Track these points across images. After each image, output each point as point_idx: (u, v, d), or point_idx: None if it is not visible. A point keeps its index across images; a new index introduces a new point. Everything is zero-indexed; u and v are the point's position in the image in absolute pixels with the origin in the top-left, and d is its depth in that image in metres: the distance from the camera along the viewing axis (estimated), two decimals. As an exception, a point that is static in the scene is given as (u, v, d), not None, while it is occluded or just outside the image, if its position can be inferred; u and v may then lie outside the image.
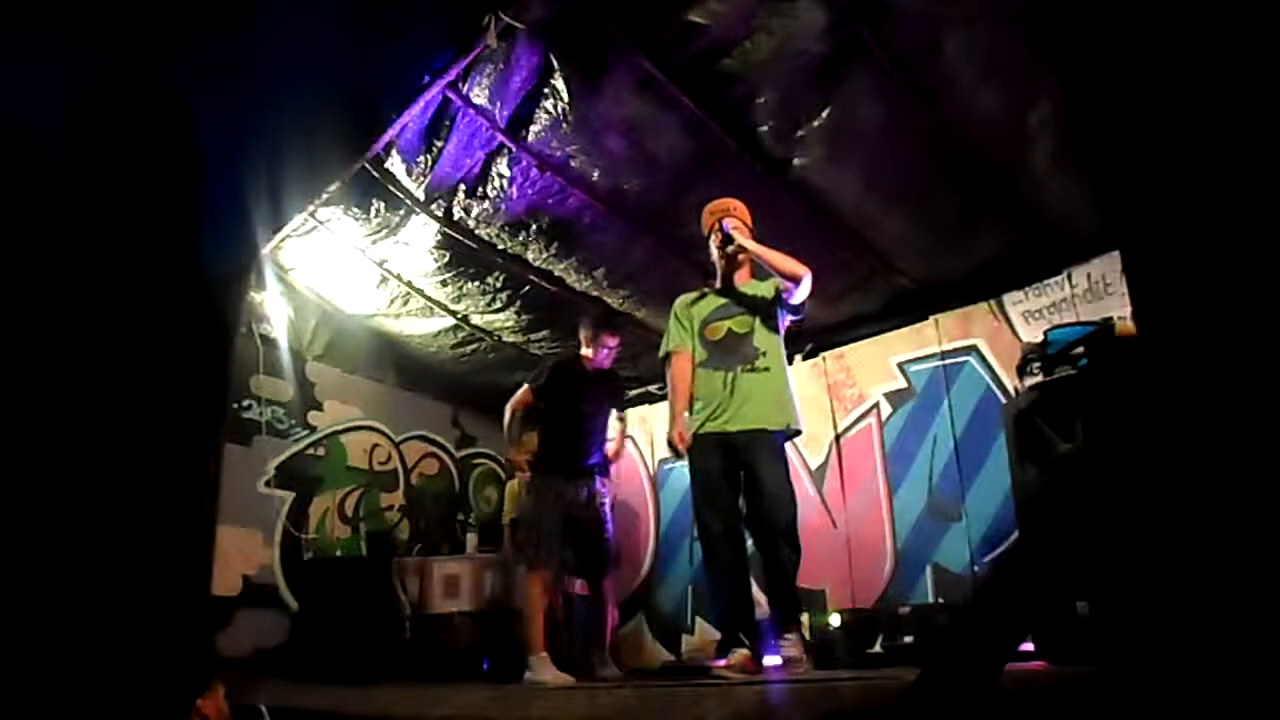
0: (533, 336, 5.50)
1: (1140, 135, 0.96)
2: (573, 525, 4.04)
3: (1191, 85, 0.92)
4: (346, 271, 4.84)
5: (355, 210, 4.24)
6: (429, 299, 5.05)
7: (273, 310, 5.10)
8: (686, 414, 3.47)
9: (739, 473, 3.33)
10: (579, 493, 4.09)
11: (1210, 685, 0.88)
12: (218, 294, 1.27)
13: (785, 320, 3.54)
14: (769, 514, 3.23)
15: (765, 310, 3.49)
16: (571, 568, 4.24)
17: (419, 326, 5.38)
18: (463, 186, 4.05)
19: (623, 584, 5.91)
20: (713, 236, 3.57)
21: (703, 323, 3.56)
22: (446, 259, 4.62)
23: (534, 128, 3.62)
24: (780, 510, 3.23)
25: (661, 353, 3.69)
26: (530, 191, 4.02)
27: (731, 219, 3.53)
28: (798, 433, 3.47)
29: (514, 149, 3.77)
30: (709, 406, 3.40)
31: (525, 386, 4.32)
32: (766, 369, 3.40)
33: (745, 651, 3.17)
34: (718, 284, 3.64)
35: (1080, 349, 2.76)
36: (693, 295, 3.69)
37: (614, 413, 4.39)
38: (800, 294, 3.40)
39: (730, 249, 3.51)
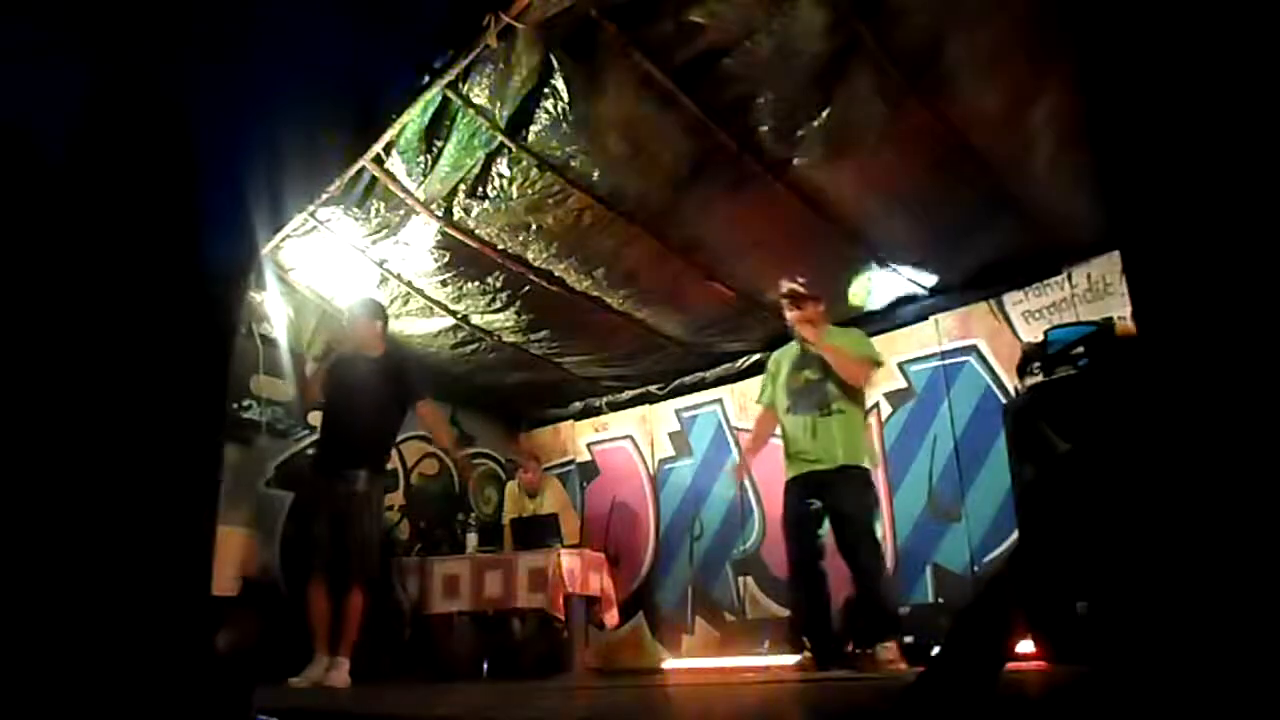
0: (533, 336, 5.50)
1: (1141, 135, 0.96)
2: (337, 524, 3.97)
3: (1192, 85, 0.92)
4: (346, 271, 4.83)
5: (355, 210, 4.24)
6: (429, 299, 5.05)
7: (273, 310, 5.10)
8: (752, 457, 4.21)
9: (827, 504, 3.76)
10: (341, 489, 4.01)
11: (1210, 685, 0.88)
12: (218, 294, 1.27)
13: None
14: (856, 540, 3.67)
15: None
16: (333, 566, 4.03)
17: (419, 326, 5.38)
18: (463, 186, 4.05)
19: (623, 584, 5.91)
20: (785, 308, 4.01)
21: (788, 374, 4.03)
22: (446, 259, 4.62)
23: (534, 128, 3.62)
24: (866, 536, 3.68)
25: (757, 401, 4.29)
26: (530, 191, 4.02)
27: (799, 316, 3.93)
28: (867, 471, 3.84)
29: (514, 149, 3.77)
30: (792, 450, 3.88)
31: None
32: (841, 411, 3.82)
33: (809, 654, 3.66)
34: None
35: (1080, 349, 2.76)
36: (784, 349, 4.17)
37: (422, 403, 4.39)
38: (859, 384, 3.93)
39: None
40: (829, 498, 3.75)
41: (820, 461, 3.78)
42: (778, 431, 4.10)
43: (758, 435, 4.20)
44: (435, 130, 3.72)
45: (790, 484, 3.87)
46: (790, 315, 3.97)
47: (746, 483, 5.69)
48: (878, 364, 4.06)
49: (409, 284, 4.93)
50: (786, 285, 4.00)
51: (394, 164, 3.93)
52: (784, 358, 4.11)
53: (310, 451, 5.33)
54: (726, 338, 5.57)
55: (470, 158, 3.86)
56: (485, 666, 5.40)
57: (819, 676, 3.27)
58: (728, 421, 5.90)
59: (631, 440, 6.44)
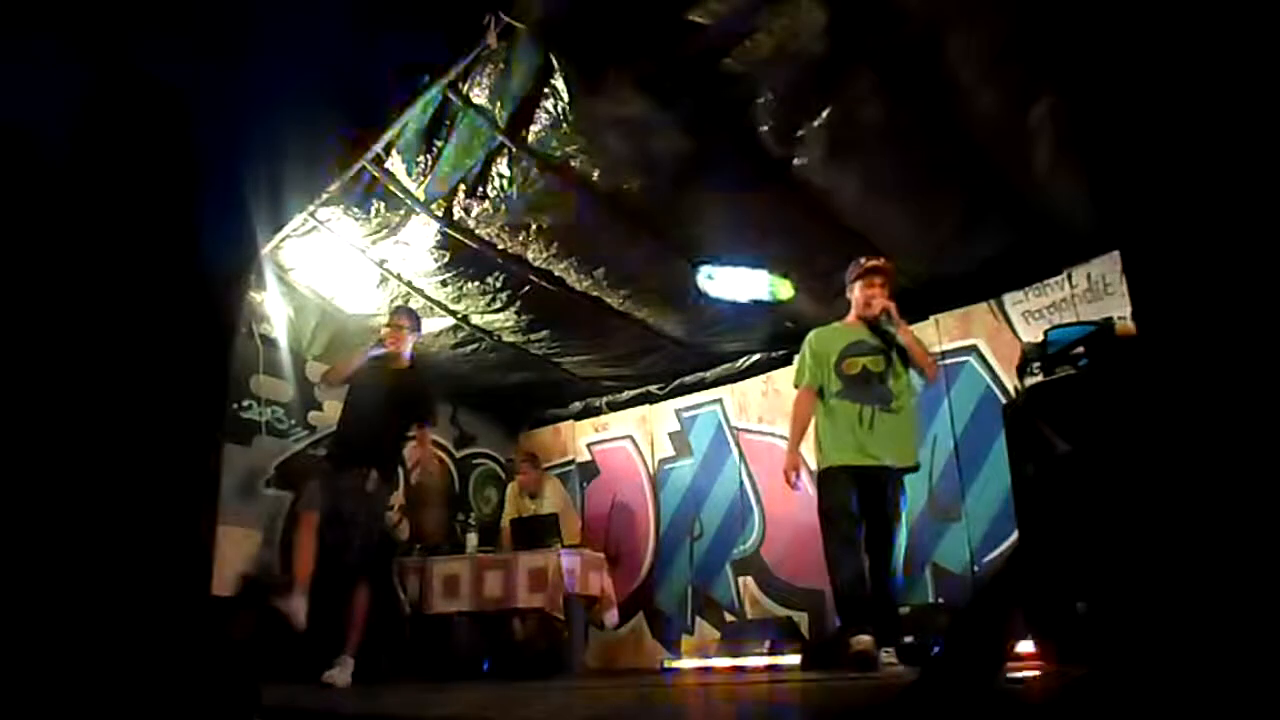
0: (533, 336, 5.50)
1: (1139, 135, 0.96)
2: (338, 520, 4.01)
3: (1190, 84, 0.92)
4: (346, 271, 4.84)
5: (355, 210, 4.24)
6: (429, 299, 5.05)
7: (273, 310, 5.10)
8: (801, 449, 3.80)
9: (866, 500, 3.61)
10: (345, 485, 4.05)
11: (1209, 685, 0.88)
12: (218, 294, 1.27)
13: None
14: (890, 541, 3.57)
15: (899, 353, 3.78)
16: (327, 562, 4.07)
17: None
18: (463, 186, 4.05)
19: (623, 584, 5.91)
20: (860, 287, 3.83)
21: (839, 356, 3.79)
22: (446, 259, 4.62)
23: (534, 128, 3.62)
24: (898, 538, 3.59)
25: (793, 383, 3.99)
26: (530, 191, 4.02)
27: (882, 295, 3.77)
28: (916, 468, 3.76)
29: (514, 149, 3.77)
30: (842, 437, 3.67)
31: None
32: (898, 410, 3.70)
33: (869, 638, 3.44)
34: (850, 318, 3.89)
35: (1080, 349, 2.76)
36: (828, 329, 3.95)
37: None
38: (929, 383, 3.89)
39: (889, 329, 3.76)
40: (878, 495, 3.60)
41: (878, 457, 3.61)
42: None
43: (802, 420, 3.83)
44: (435, 130, 3.72)
45: (838, 472, 3.63)
46: (872, 294, 3.77)
47: (746, 483, 5.69)
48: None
49: (409, 284, 4.93)
50: (873, 261, 3.82)
51: (394, 164, 3.93)
52: (830, 340, 3.86)
53: (311, 451, 5.34)
54: (726, 338, 5.57)
55: (470, 158, 3.86)
56: (485, 666, 5.40)
57: (818, 676, 3.27)
58: (728, 421, 5.90)
59: (631, 440, 6.44)
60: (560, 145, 3.71)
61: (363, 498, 4.03)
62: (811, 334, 3.94)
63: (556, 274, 4.74)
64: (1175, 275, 0.92)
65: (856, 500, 3.60)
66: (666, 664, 5.68)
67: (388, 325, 4.42)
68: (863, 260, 3.86)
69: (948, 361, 4.85)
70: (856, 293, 3.85)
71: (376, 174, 3.98)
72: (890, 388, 3.72)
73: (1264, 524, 0.84)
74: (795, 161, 3.77)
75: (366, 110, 3.60)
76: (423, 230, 4.38)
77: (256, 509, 5.09)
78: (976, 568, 4.45)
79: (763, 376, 5.72)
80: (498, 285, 4.86)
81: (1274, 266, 0.85)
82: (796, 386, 3.92)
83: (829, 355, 3.81)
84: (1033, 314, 4.57)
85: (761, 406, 5.71)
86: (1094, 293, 4.34)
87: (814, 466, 3.84)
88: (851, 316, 3.88)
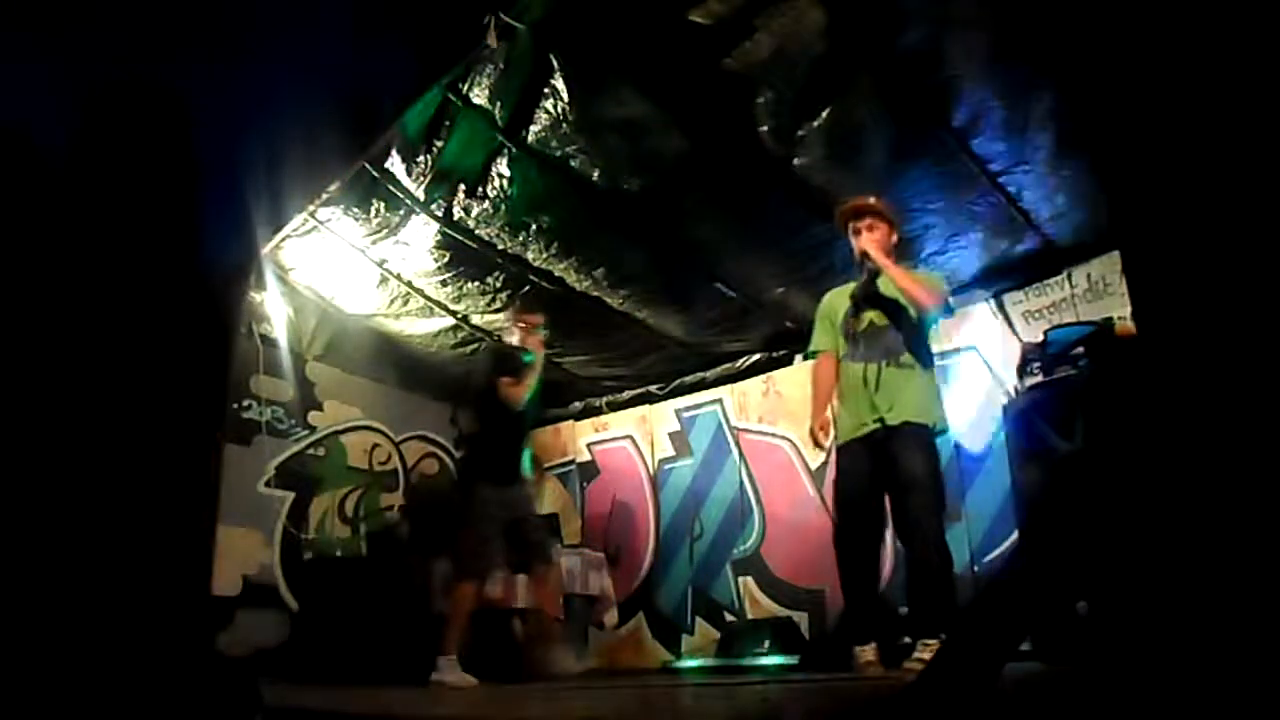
0: (533, 336, 5.50)
1: (1140, 136, 0.96)
2: (514, 529, 3.94)
3: (1190, 87, 0.92)
4: (346, 271, 4.84)
5: (355, 210, 4.24)
6: (429, 299, 5.05)
7: (273, 310, 5.10)
8: (829, 412, 3.34)
9: (884, 469, 3.13)
10: (512, 496, 3.99)
11: (1209, 685, 0.88)
12: (218, 294, 1.27)
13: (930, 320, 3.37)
14: (911, 516, 3.04)
15: (906, 304, 3.27)
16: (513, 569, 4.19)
17: (419, 326, 5.39)
18: (463, 186, 4.05)
19: (623, 584, 5.91)
20: (850, 233, 3.36)
21: (846, 316, 3.37)
22: (446, 259, 4.62)
23: (534, 128, 3.62)
24: (927, 510, 3.04)
25: (809, 350, 3.55)
26: (530, 191, 4.02)
27: (867, 237, 3.29)
28: (944, 431, 3.27)
29: (514, 149, 3.77)
30: (850, 407, 3.26)
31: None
32: (911, 365, 3.23)
33: (874, 646, 3.08)
34: (858, 273, 3.41)
35: (1080, 349, 2.76)
36: (839, 290, 3.50)
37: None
38: (930, 310, 3.24)
39: (868, 264, 3.29)
40: (889, 460, 3.11)
41: (882, 417, 3.14)
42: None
43: (824, 386, 3.38)
44: (435, 130, 3.72)
45: (845, 448, 3.23)
46: (856, 239, 3.29)
47: (746, 483, 5.69)
48: (948, 295, 3.40)
49: (409, 284, 4.93)
50: (852, 202, 3.34)
51: (394, 164, 3.93)
52: (839, 299, 3.43)
53: (312, 452, 5.32)
54: (726, 338, 5.57)
55: (470, 158, 3.87)
56: (485, 667, 5.40)
57: (818, 676, 3.27)
58: (728, 421, 5.90)
59: (631, 440, 6.44)
60: (560, 145, 3.72)
61: (530, 503, 4.08)
62: (825, 296, 3.55)
63: (556, 274, 4.74)
64: (1175, 275, 0.93)
65: (872, 478, 3.15)
66: (666, 664, 5.68)
67: (525, 324, 4.18)
68: (846, 200, 3.42)
69: (948, 362, 4.85)
70: (851, 241, 3.37)
71: (376, 174, 3.98)
72: (898, 339, 3.26)
73: (1264, 522, 0.84)
74: (795, 161, 3.77)
75: (367, 110, 3.60)
76: (423, 230, 4.39)
77: (256, 509, 5.09)
78: (976, 568, 4.45)
79: (763, 376, 5.72)
80: (498, 285, 4.87)
81: (1273, 267, 0.85)
82: (811, 356, 3.51)
83: (836, 315, 3.40)
84: (1033, 314, 4.57)
85: (761, 406, 5.71)
86: (1094, 293, 4.34)
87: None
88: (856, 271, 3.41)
